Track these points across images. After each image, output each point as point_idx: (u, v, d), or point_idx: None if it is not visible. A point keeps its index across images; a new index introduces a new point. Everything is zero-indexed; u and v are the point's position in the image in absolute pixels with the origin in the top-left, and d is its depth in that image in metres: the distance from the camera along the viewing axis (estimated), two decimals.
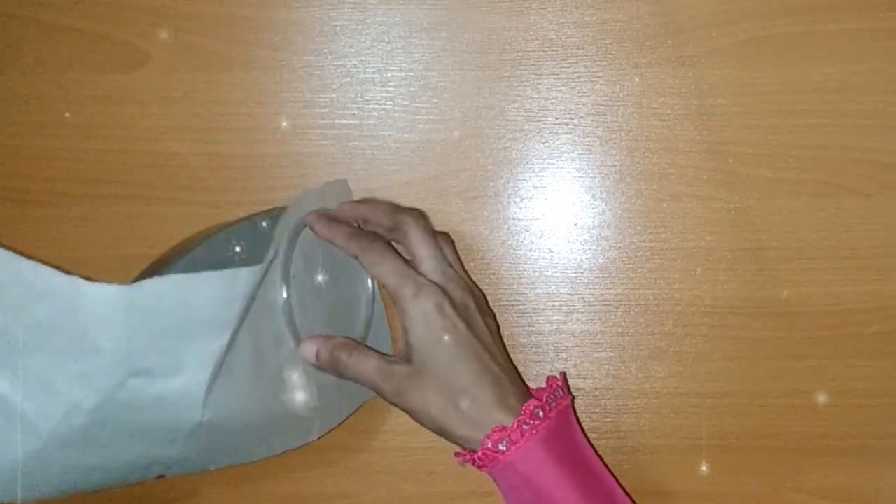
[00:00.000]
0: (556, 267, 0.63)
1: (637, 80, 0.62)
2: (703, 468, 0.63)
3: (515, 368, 0.56)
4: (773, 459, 0.63)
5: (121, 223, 0.64)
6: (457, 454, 0.54)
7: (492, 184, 0.63)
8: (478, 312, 0.54)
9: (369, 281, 0.61)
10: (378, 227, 0.57)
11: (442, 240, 0.57)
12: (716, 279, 0.62)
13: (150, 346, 0.46)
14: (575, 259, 0.63)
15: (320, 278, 0.58)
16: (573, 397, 0.57)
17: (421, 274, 0.53)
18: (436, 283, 0.53)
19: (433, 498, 0.64)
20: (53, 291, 0.44)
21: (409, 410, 0.53)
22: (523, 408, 0.51)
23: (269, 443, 0.56)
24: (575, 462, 0.52)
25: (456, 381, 0.51)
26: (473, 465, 0.52)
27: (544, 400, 0.53)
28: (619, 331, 0.63)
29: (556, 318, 0.63)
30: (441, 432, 0.53)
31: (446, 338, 0.51)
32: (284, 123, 0.62)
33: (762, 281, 0.62)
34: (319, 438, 0.58)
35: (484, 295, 0.58)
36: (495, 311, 0.62)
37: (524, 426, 0.51)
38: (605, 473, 0.54)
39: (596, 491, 0.52)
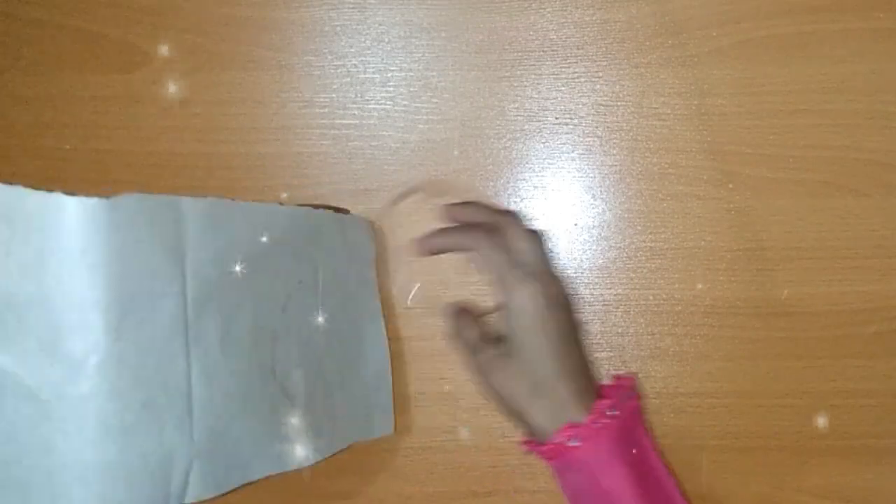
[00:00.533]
0: (555, 267, 0.63)
1: (637, 80, 0.63)
2: (704, 468, 0.63)
3: (593, 365, 0.57)
4: (773, 459, 0.63)
5: None
6: (524, 442, 0.55)
7: (492, 184, 0.63)
8: (568, 308, 0.56)
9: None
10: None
11: (538, 237, 0.58)
12: (716, 279, 0.62)
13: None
14: (575, 259, 0.63)
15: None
16: (642, 398, 0.57)
17: (520, 267, 0.55)
18: (534, 277, 0.54)
19: (433, 498, 0.64)
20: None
21: (490, 389, 0.55)
22: (596, 406, 0.53)
23: (256, 447, 0.55)
24: (640, 463, 0.53)
25: (540, 371, 0.53)
26: (541, 456, 0.54)
27: (616, 399, 0.54)
28: (619, 331, 0.63)
29: None
30: (515, 416, 0.55)
31: (538, 329, 0.54)
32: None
33: (762, 281, 0.62)
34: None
35: (574, 292, 0.59)
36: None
37: (596, 424, 0.52)
38: (668, 477, 0.55)
39: (658, 494, 0.53)
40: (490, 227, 0.57)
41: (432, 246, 0.58)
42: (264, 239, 0.51)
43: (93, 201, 0.44)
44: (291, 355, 0.55)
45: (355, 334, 0.60)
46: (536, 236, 0.57)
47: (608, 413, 0.53)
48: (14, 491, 0.44)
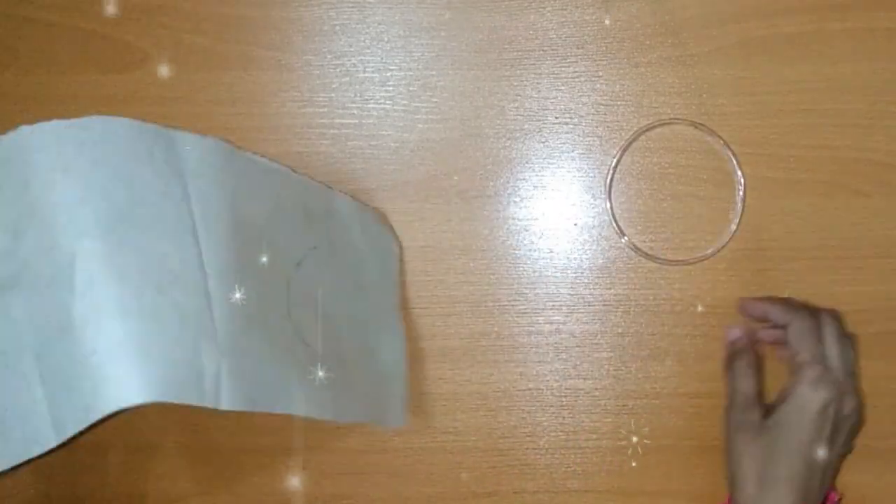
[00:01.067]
0: (556, 267, 0.63)
1: (637, 79, 0.62)
2: (704, 468, 0.62)
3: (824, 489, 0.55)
4: None
5: None
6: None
7: (492, 184, 0.63)
8: (847, 431, 0.55)
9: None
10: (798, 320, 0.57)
11: (851, 344, 0.57)
12: (716, 279, 0.62)
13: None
14: (575, 259, 0.63)
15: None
16: None
17: (824, 364, 0.54)
18: (835, 385, 0.54)
19: (433, 498, 0.64)
20: None
21: (727, 445, 0.55)
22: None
23: (284, 379, 0.54)
24: None
25: (779, 466, 0.53)
26: None
27: None
28: (619, 331, 0.63)
29: (556, 318, 0.63)
30: (730, 482, 0.54)
31: (807, 429, 0.53)
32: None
33: (762, 281, 0.62)
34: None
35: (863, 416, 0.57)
36: (495, 311, 0.62)
37: None
38: None
39: None
40: (812, 313, 0.57)
41: (755, 309, 0.59)
42: (270, 196, 0.51)
43: (60, 124, 0.45)
44: (308, 309, 0.54)
45: (375, 322, 0.60)
46: (850, 343, 0.57)
47: None
48: (56, 383, 0.44)
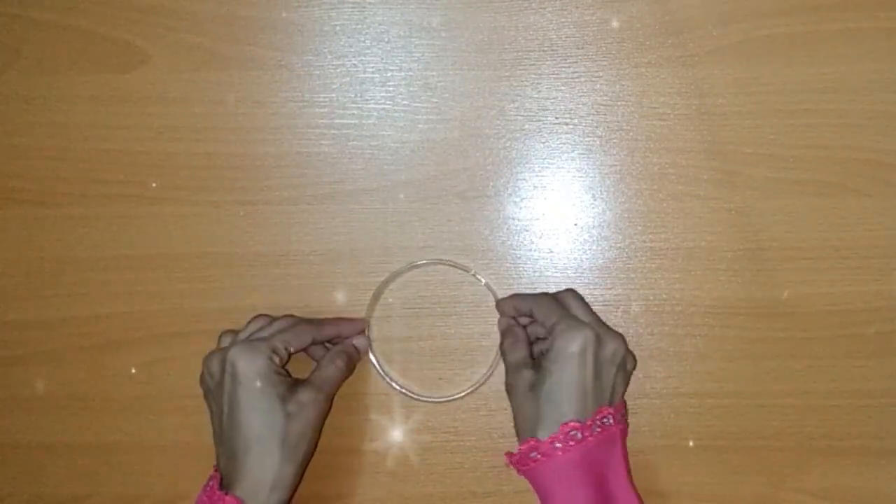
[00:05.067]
0: (556, 267, 0.63)
1: (637, 80, 0.62)
2: (704, 468, 0.62)
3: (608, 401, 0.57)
4: (773, 459, 0.63)
5: (121, 223, 0.64)
6: (506, 453, 0.57)
7: (492, 184, 0.63)
8: (616, 373, 0.57)
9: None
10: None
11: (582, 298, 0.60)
12: (716, 279, 0.62)
13: None
14: (575, 259, 0.63)
15: None
16: (626, 426, 0.57)
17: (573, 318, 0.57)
18: (589, 327, 0.56)
19: (433, 498, 0.64)
20: None
21: (511, 404, 0.58)
22: (561, 427, 0.54)
23: None
24: (598, 488, 0.54)
25: (551, 408, 0.55)
26: (511, 465, 0.57)
27: (587, 423, 0.54)
28: (619, 331, 0.63)
29: None
30: (516, 432, 0.57)
31: (568, 372, 0.55)
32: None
33: (762, 281, 0.62)
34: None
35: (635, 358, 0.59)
36: (495, 311, 0.62)
37: (556, 444, 0.54)
38: None
39: None
40: (551, 294, 0.60)
41: (506, 307, 0.61)
42: None
43: None
44: None
45: None
46: (581, 297, 0.60)
47: (573, 435, 0.54)
48: None
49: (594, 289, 0.63)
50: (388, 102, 0.63)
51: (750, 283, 0.62)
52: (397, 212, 0.63)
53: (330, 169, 0.63)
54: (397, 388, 0.63)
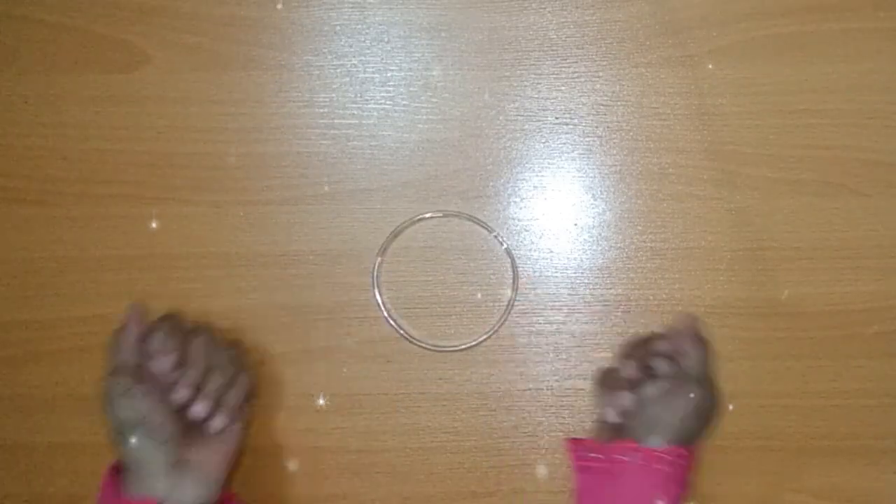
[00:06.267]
0: (556, 267, 0.63)
1: (637, 80, 0.63)
2: (704, 468, 0.62)
3: None
4: (773, 459, 0.63)
5: (121, 223, 0.64)
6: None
7: (492, 184, 0.63)
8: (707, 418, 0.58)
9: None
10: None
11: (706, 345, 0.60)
12: (715, 279, 0.62)
13: None
14: (575, 259, 0.63)
15: None
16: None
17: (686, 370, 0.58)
18: (698, 384, 0.57)
19: (433, 498, 0.64)
20: None
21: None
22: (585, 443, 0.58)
23: None
24: None
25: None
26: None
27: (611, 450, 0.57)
28: (619, 331, 0.63)
29: (556, 318, 0.63)
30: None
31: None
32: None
33: (762, 281, 0.62)
34: None
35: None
36: (495, 311, 0.62)
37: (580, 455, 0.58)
38: None
39: None
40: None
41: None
42: None
43: None
44: None
45: None
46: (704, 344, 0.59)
47: (591, 455, 0.57)
48: None
49: (594, 289, 0.63)
50: (388, 102, 0.63)
51: (750, 283, 0.62)
52: (397, 212, 0.63)
53: (330, 169, 0.63)
54: (402, 333, 0.62)
